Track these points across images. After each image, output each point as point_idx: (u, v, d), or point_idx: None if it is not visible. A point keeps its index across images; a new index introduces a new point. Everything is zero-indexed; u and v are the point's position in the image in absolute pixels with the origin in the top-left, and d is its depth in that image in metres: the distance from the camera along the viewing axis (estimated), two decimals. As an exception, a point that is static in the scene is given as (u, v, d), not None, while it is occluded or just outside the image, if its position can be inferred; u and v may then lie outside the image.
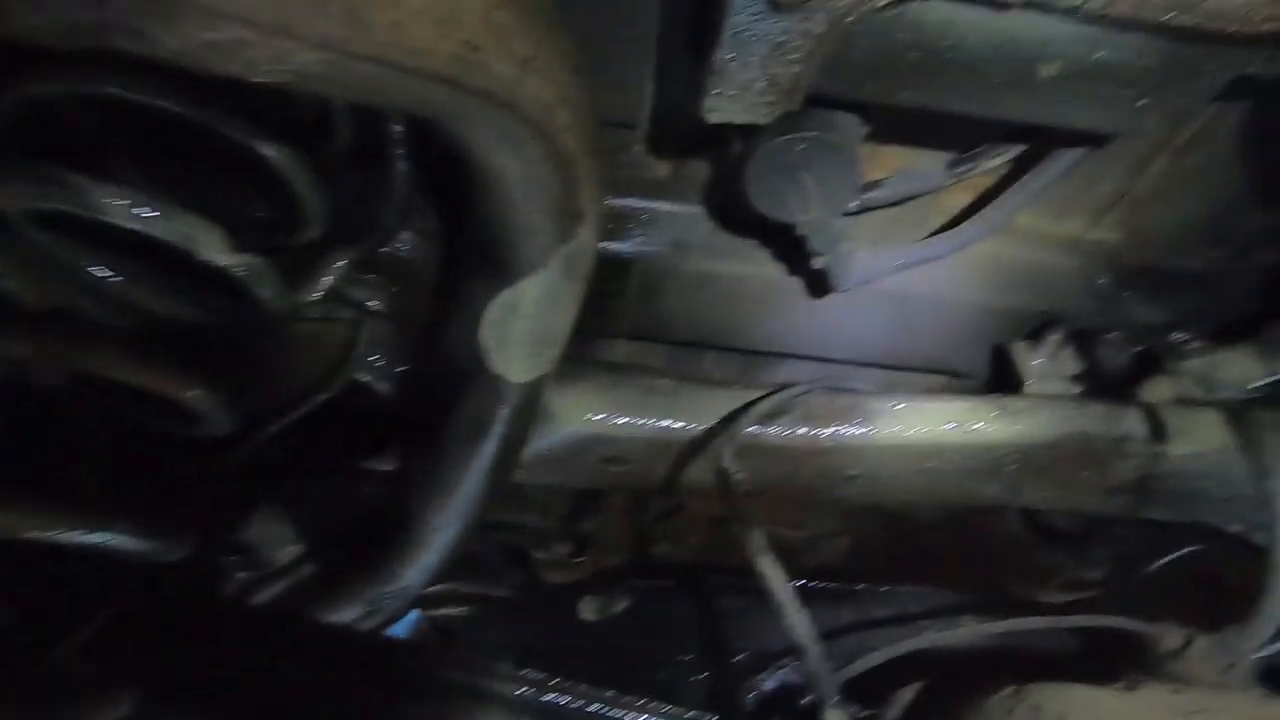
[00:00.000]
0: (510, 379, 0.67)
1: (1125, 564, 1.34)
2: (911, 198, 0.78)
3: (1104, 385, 0.97)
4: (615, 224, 0.96)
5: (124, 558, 0.65)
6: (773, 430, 0.91)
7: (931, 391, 1.06)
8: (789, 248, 0.88)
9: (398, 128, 0.67)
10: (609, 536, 1.35)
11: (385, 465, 0.90)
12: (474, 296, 0.65)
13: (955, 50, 0.54)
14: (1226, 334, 0.90)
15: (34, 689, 0.52)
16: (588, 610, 0.97)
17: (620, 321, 1.08)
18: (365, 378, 0.80)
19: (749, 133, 0.67)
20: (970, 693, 0.53)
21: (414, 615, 1.58)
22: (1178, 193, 0.93)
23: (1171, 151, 0.89)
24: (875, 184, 0.76)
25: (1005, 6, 0.51)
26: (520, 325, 0.64)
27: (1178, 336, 0.93)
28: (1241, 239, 0.95)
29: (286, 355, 0.76)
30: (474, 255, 0.65)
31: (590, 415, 0.89)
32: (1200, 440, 0.88)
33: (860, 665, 0.56)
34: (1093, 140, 0.74)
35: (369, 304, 0.86)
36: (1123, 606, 1.27)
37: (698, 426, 0.91)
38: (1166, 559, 1.28)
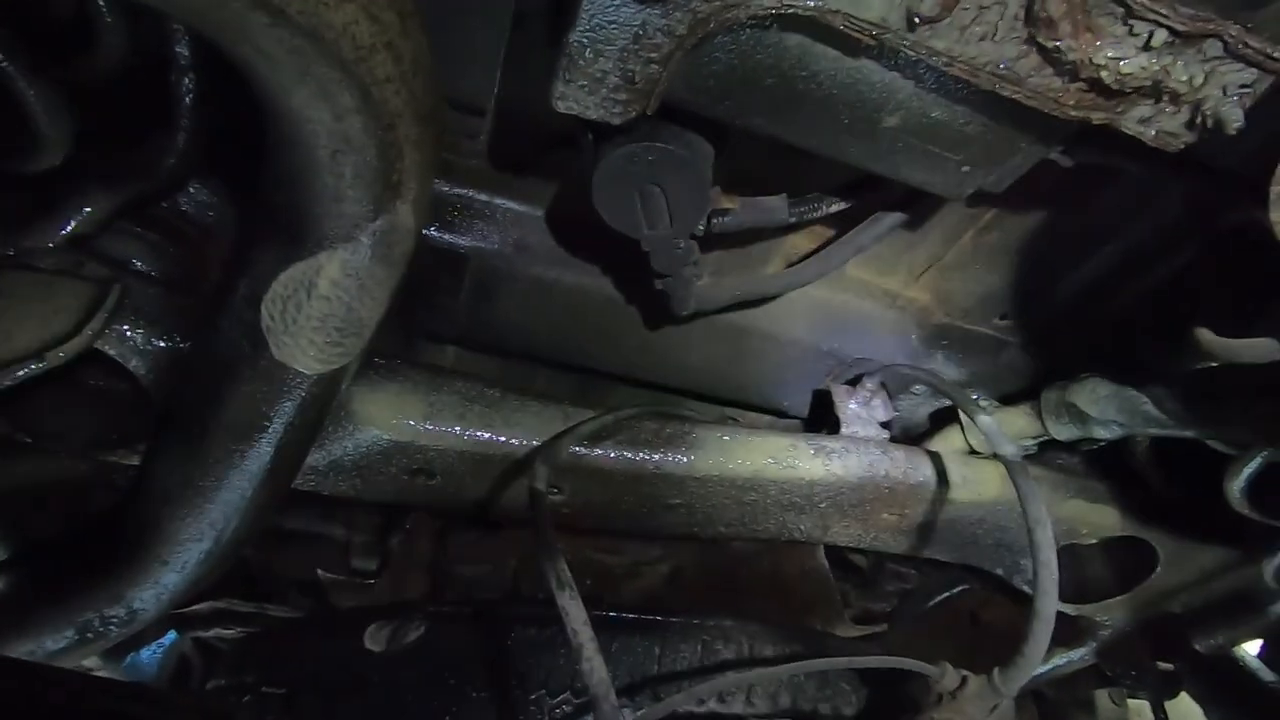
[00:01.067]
0: (296, 368, 0.57)
1: (906, 600, 1.46)
2: (756, 230, 0.78)
3: (907, 433, 1.04)
4: (454, 214, 0.88)
5: None
6: (598, 453, 0.87)
7: (756, 426, 1.08)
8: (632, 266, 0.86)
9: (184, 50, 0.55)
10: (413, 556, 1.24)
11: (127, 459, 0.74)
12: (261, 266, 0.55)
13: (810, 83, 0.54)
14: (1009, 396, 1.00)
15: None
16: (374, 640, 0.86)
17: (450, 324, 1.00)
18: (111, 349, 0.66)
19: (600, 134, 0.63)
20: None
21: (171, 637, 1.34)
22: (977, 266, 1.03)
23: (977, 228, 0.98)
24: (723, 211, 0.75)
25: (856, 52, 0.51)
26: (315, 307, 0.55)
27: (970, 393, 1.01)
28: (1024, 313, 1.06)
29: (4, 307, 0.60)
30: (267, 216, 0.55)
31: (399, 420, 0.79)
32: (980, 490, 0.97)
33: (655, 712, 0.52)
34: (919, 201, 0.79)
35: (134, 263, 0.71)
36: (905, 641, 1.37)
37: (520, 443, 0.84)
38: (940, 596, 1.41)
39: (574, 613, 0.52)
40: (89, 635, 0.68)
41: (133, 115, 0.62)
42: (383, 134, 0.46)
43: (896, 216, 0.80)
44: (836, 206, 0.78)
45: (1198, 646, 1.13)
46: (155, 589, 0.66)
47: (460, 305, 0.96)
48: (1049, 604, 0.63)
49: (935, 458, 0.95)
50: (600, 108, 0.55)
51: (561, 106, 0.55)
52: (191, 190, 0.78)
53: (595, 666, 0.49)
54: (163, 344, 0.69)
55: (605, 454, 0.86)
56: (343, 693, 0.84)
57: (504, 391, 0.86)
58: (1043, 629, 0.61)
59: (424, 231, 0.87)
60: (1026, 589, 1.10)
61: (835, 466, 0.92)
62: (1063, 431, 0.91)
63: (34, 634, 0.66)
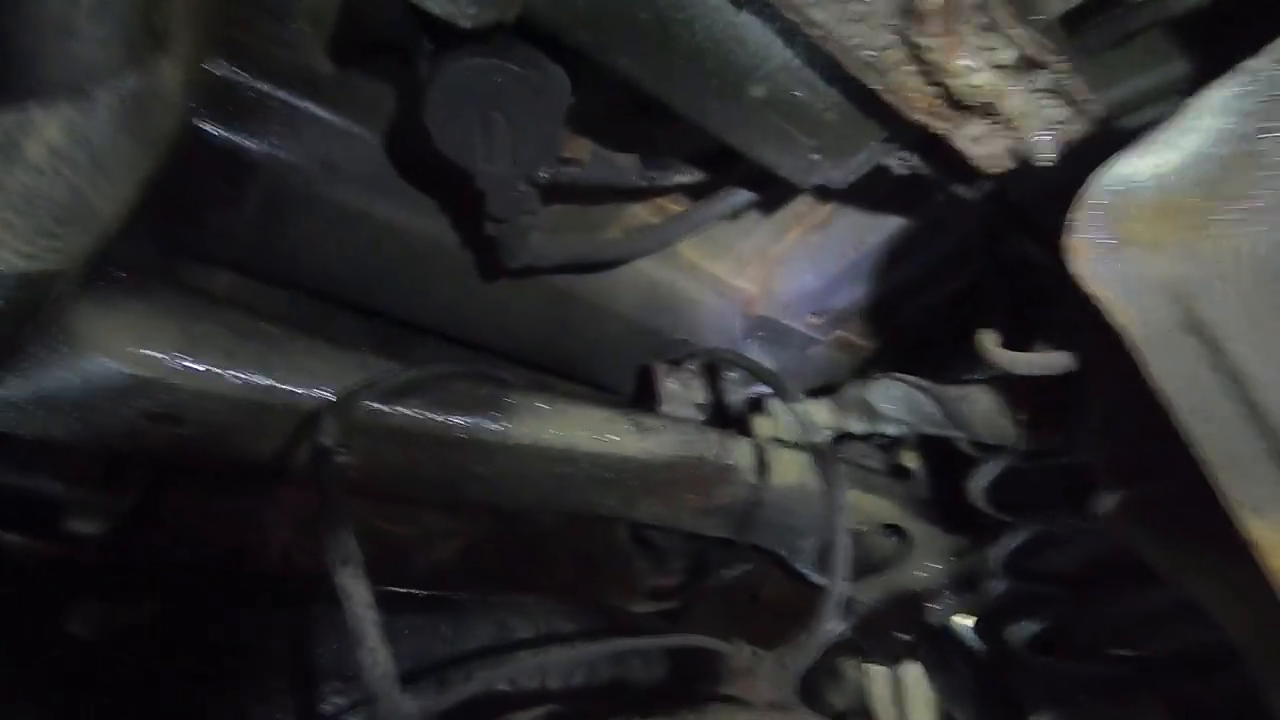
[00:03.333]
0: (-20, 259, 0.42)
1: (695, 576, 1.52)
2: (602, 188, 0.74)
3: (721, 416, 1.06)
4: (244, 110, 0.72)
5: None
6: (400, 410, 0.77)
7: (574, 396, 1.04)
8: (459, 205, 0.77)
9: None
10: (151, 518, 1.03)
11: None
12: (-69, 107, 0.39)
13: (685, 29, 0.50)
14: (817, 390, 1.06)
15: None
16: (81, 622, 0.69)
17: (227, 244, 0.83)
18: None
19: (442, 39, 0.54)
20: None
21: None
22: (799, 263, 1.07)
23: (805, 227, 1.03)
24: (571, 161, 0.69)
25: (740, 1, 0.48)
26: (18, 178, 0.40)
27: (781, 383, 1.06)
28: (831, 315, 1.14)
29: None
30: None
31: (138, 349, 0.63)
32: (781, 477, 1.01)
33: (441, 702, 0.46)
34: (765, 187, 0.79)
35: None
36: (699, 617, 1.42)
37: (304, 392, 0.72)
38: (726, 574, 1.49)
39: (357, 594, 0.43)
40: None
41: None
42: (144, -48, 0.34)
43: (746, 196, 0.80)
44: (689, 177, 0.75)
45: (928, 620, 1.30)
46: None
47: (242, 222, 0.80)
48: (841, 586, 0.67)
49: (746, 443, 0.98)
50: (449, 1, 0.46)
51: (402, -8, 0.46)
52: None
53: (379, 658, 0.41)
54: None
55: (409, 414, 0.76)
56: (27, 690, 0.66)
57: (289, 330, 0.73)
58: (831, 609, 0.64)
59: (200, 121, 0.71)
60: (803, 569, 1.19)
61: (650, 444, 0.91)
62: (856, 426, 0.98)
63: None
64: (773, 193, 0.84)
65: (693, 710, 0.55)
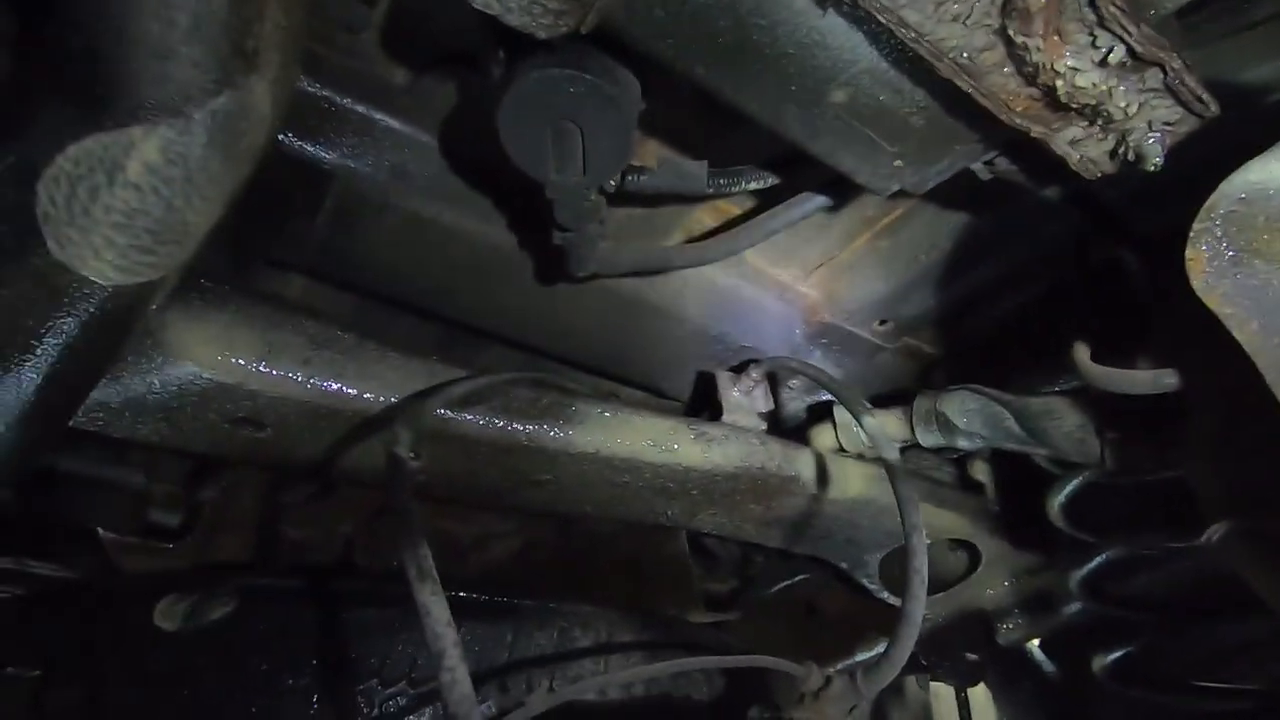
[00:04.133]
0: (83, 274, 0.43)
1: (751, 585, 1.49)
2: (670, 195, 0.72)
3: (782, 426, 1.04)
4: (320, 121, 0.74)
5: None
6: (467, 418, 0.77)
7: (637, 405, 1.04)
8: (528, 213, 0.77)
9: None
10: (229, 516, 1.07)
11: None
12: (41, 128, 0.40)
13: (765, 35, 0.49)
14: (875, 399, 1.02)
15: None
16: (167, 615, 0.71)
17: (301, 250, 0.85)
18: None
19: (516, 49, 0.54)
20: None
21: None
22: (868, 269, 1.04)
23: (874, 231, 0.99)
24: (640, 169, 0.68)
25: (825, 3, 0.46)
26: (119, 197, 0.41)
27: (849, 394, 1.03)
28: (899, 322, 1.10)
29: None
30: (60, 66, 0.40)
31: (224, 357, 0.65)
32: (845, 489, 0.98)
33: (516, 717, 0.46)
34: (839, 192, 0.76)
35: None
36: (755, 627, 1.40)
37: (374, 398, 0.73)
38: (782, 584, 1.46)
39: (436, 612, 0.43)
40: None
41: None
42: (239, -23, 0.35)
43: (817, 202, 0.77)
44: (757, 183, 0.74)
45: (999, 640, 1.25)
46: None
47: (316, 230, 0.82)
48: (918, 609, 0.64)
49: (809, 454, 0.95)
50: (525, 13, 0.46)
51: (479, 2, 0.46)
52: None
53: (458, 677, 0.41)
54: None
55: (475, 421, 0.77)
56: (116, 679, 0.69)
57: (360, 338, 0.74)
58: (910, 633, 0.61)
59: (279, 133, 0.73)
60: (868, 584, 1.15)
61: (714, 454, 0.89)
62: (929, 439, 0.94)
63: None
64: (844, 197, 0.81)
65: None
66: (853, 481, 0.99)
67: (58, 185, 0.41)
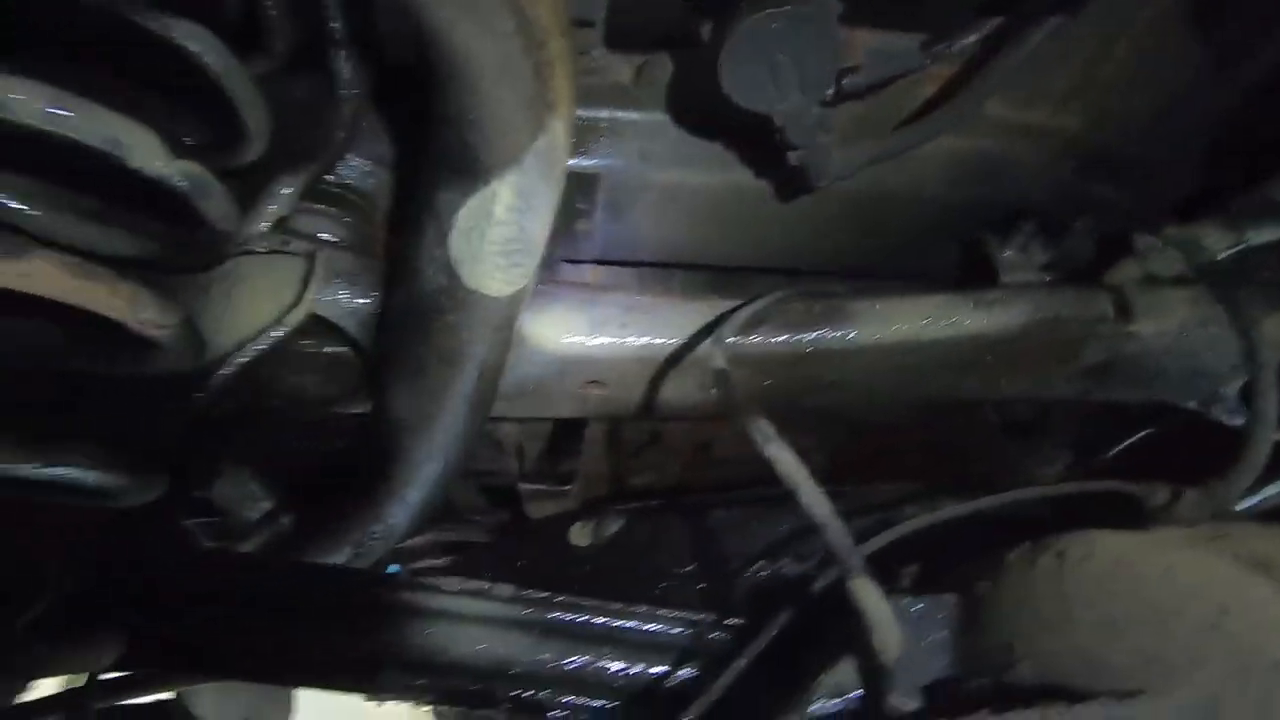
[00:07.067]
0: (487, 293, 0.63)
1: (1082, 454, 1.39)
2: (888, 81, 0.75)
3: (1074, 272, 0.98)
4: (581, 136, 0.91)
5: (84, 494, 0.60)
6: (753, 340, 0.89)
7: (904, 290, 1.06)
8: (762, 146, 0.85)
9: (339, 25, 0.60)
10: (590, 473, 1.34)
11: (353, 408, 0.85)
12: (442, 206, 0.60)
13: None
14: (1189, 211, 0.91)
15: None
16: (578, 536, 0.96)
17: (588, 246, 1.04)
18: (326, 312, 0.75)
19: (719, 16, 0.63)
20: (984, 556, 0.54)
21: (394, 569, 1.55)
22: (1137, 78, 0.93)
23: (1131, 36, 0.89)
24: (850, 70, 0.73)
25: None
26: (495, 232, 0.60)
27: (1144, 217, 0.94)
28: (1198, 121, 0.96)
29: (239, 289, 0.70)
30: (438, 160, 0.60)
31: (568, 337, 0.86)
32: (1165, 318, 0.90)
33: (874, 543, 0.56)
34: (1066, 7, 0.72)
35: (321, 235, 0.80)
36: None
37: (680, 342, 0.89)
38: (1121, 445, 1.33)
39: (784, 459, 0.55)
40: (360, 551, 0.81)
41: (302, 97, 0.68)
42: (537, 53, 0.49)
43: (1044, 27, 0.73)
44: (973, 36, 0.73)
45: None
46: (403, 505, 0.77)
47: (594, 224, 1.00)
48: (1270, 407, 0.60)
49: (1108, 291, 0.90)
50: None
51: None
52: (349, 160, 0.85)
53: (817, 500, 0.53)
54: (363, 301, 0.78)
55: (762, 340, 0.89)
56: (561, 584, 0.95)
57: (655, 296, 0.90)
58: (1264, 434, 0.58)
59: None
60: (1226, 420, 1.03)
61: (997, 316, 0.89)
62: (1263, 234, 0.82)
63: (321, 556, 0.79)
64: (1077, 5, 0.75)
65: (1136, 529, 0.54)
66: (1173, 308, 0.91)
67: (460, 238, 0.61)
